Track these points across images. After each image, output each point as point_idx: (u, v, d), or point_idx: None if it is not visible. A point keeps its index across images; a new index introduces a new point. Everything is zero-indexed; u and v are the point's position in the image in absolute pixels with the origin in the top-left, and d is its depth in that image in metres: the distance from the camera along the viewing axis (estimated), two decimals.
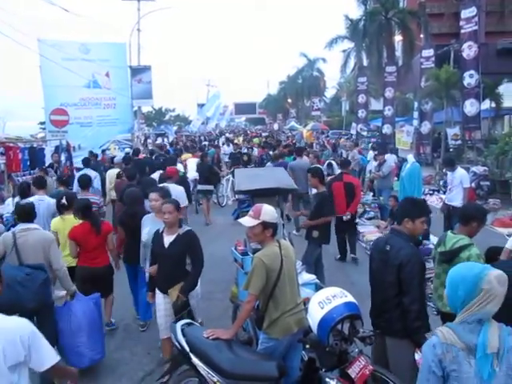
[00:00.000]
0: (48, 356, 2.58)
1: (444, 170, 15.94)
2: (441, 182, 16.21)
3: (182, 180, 9.79)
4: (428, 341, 2.45)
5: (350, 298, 3.74)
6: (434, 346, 2.36)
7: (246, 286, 3.81)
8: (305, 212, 8.92)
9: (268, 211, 3.87)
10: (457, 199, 9.05)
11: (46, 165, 13.75)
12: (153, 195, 5.82)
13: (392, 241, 3.90)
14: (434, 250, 4.69)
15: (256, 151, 19.49)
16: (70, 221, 5.93)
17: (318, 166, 11.49)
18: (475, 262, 2.55)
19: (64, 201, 6.15)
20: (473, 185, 13.38)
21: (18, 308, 3.67)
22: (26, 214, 5.07)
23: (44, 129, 26.54)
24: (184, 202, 8.04)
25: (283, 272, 3.78)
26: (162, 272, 4.84)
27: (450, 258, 4.21)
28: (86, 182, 7.88)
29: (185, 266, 4.83)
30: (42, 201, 6.83)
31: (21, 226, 4.99)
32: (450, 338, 2.34)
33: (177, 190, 7.79)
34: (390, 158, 16.95)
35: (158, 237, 4.90)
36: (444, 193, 13.65)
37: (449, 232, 4.52)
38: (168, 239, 4.79)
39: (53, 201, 6.83)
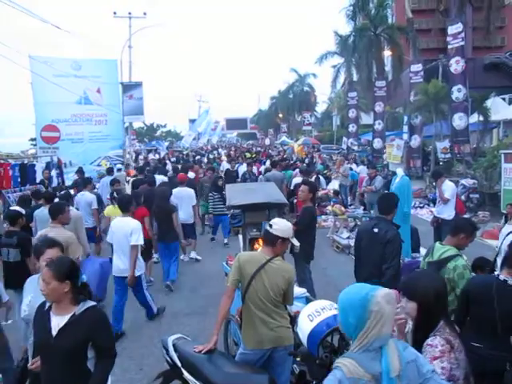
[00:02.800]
0: (139, 239, 6.38)
1: (434, 184, 16.11)
2: (430, 196, 16.34)
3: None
4: (331, 375, 2.19)
5: (336, 311, 3.76)
6: (340, 382, 2.14)
7: (226, 281, 4.06)
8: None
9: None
10: (446, 212, 9.14)
11: (37, 181, 13.73)
12: (50, 252, 3.93)
13: (379, 225, 5.20)
14: (422, 261, 4.77)
15: (244, 166, 18.69)
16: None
17: (312, 181, 11.69)
18: (364, 284, 2.38)
19: (115, 194, 9.15)
20: (462, 197, 13.52)
21: None
22: (64, 198, 8.14)
23: (35, 145, 26.52)
24: (194, 202, 10.21)
25: (255, 281, 3.82)
26: (47, 373, 3.17)
27: (438, 267, 4.27)
28: (115, 181, 11.17)
29: (84, 364, 3.15)
30: (83, 195, 9.81)
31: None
32: (356, 371, 2.15)
33: (189, 192, 10.19)
34: (363, 170, 17.29)
35: (41, 316, 3.24)
36: (434, 205, 13.79)
37: (437, 243, 4.60)
38: (57, 322, 3.13)
39: (91, 195, 9.85)
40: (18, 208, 7.17)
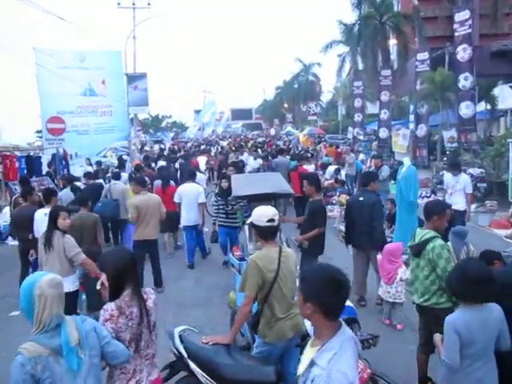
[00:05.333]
0: (204, 198, 9.45)
1: (441, 173, 15.97)
2: (438, 186, 16.22)
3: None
4: (14, 362, 2.45)
5: (347, 302, 3.74)
6: (23, 364, 2.42)
7: (241, 287, 3.84)
8: (296, 219, 8.93)
9: (255, 213, 3.93)
10: (459, 202, 9.16)
11: (43, 173, 13.79)
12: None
13: (364, 195, 7.13)
14: (408, 248, 4.97)
15: (251, 159, 17.12)
16: None
17: (315, 172, 11.65)
18: (37, 272, 2.78)
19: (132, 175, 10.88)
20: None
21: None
22: (115, 177, 10.75)
23: (41, 137, 26.58)
24: (205, 185, 11.42)
25: (279, 277, 3.76)
26: None
27: (419, 250, 4.54)
28: (139, 166, 13.09)
29: None
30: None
31: (113, 182, 10.54)
32: (36, 349, 2.45)
33: (200, 176, 11.48)
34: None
35: None
36: (438, 195, 13.69)
37: (418, 229, 4.86)
38: None
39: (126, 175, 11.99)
40: (78, 183, 10.45)
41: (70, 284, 5.57)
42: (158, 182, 10.56)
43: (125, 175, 11.86)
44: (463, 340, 3.17)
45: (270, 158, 16.14)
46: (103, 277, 3.04)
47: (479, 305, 3.24)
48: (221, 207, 8.89)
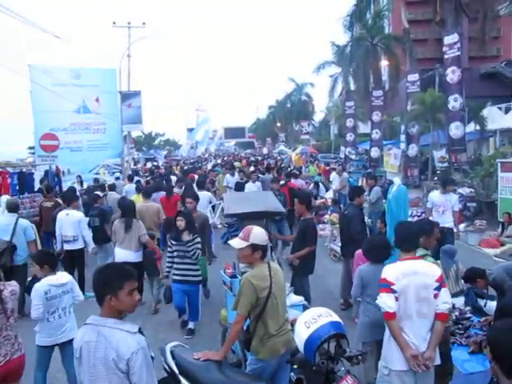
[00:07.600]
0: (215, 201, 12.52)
1: (425, 191, 16.10)
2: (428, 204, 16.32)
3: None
4: None
5: (336, 318, 3.79)
6: None
7: (234, 306, 3.85)
8: (288, 237, 8.93)
9: (257, 234, 3.91)
10: (449, 221, 9.30)
11: (36, 189, 13.73)
12: None
13: (348, 209, 7.90)
14: None
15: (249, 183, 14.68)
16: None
17: (306, 190, 11.70)
18: None
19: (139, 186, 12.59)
20: (460, 206, 13.53)
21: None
22: (111, 188, 12.91)
23: (33, 153, 26.55)
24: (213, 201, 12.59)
25: (272, 294, 3.80)
26: None
27: None
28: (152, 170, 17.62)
29: None
30: (131, 186, 14.08)
31: (109, 192, 12.41)
32: None
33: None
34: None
35: None
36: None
37: None
38: None
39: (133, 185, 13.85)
40: (98, 192, 11.56)
41: (140, 257, 7.70)
42: (156, 194, 11.94)
43: (132, 186, 13.78)
44: (363, 283, 4.81)
45: (259, 175, 16.24)
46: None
47: (376, 264, 4.78)
48: (176, 255, 6.67)
